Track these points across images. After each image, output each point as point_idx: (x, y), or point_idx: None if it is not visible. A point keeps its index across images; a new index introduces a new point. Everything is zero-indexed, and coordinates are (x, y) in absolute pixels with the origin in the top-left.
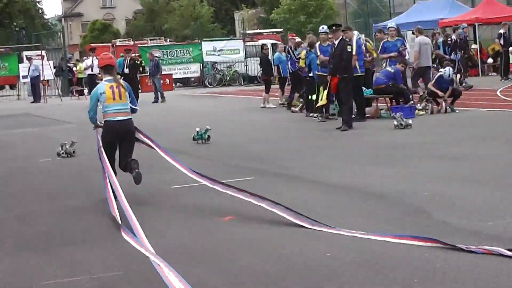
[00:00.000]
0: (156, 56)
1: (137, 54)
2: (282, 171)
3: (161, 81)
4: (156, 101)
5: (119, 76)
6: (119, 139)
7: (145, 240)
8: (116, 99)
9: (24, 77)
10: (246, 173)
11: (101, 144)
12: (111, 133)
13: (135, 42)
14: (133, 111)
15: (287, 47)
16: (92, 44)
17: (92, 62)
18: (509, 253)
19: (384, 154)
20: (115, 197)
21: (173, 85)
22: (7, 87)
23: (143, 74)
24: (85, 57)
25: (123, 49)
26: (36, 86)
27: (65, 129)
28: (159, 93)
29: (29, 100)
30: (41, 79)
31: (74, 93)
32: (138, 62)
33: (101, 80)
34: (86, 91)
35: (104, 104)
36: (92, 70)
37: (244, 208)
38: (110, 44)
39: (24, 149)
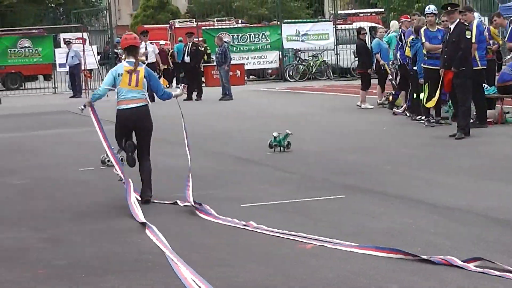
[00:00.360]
0: (225, 42)
1: (200, 39)
2: (379, 188)
3: (230, 73)
4: (223, 97)
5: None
6: (132, 128)
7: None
8: (132, 85)
9: (61, 65)
10: (335, 190)
11: (98, 124)
12: (122, 122)
13: (199, 23)
14: (161, 95)
15: (399, 33)
16: (145, 26)
17: (146, 48)
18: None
19: (509, 169)
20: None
21: (245, 78)
22: (41, 77)
23: (208, 64)
24: None
25: (184, 33)
26: (76, 76)
27: (112, 130)
28: (226, 88)
29: (68, 94)
30: (82, 68)
31: None
32: (202, 49)
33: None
34: None
35: (118, 88)
36: (146, 59)
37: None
38: (168, 25)
39: (61, 156)
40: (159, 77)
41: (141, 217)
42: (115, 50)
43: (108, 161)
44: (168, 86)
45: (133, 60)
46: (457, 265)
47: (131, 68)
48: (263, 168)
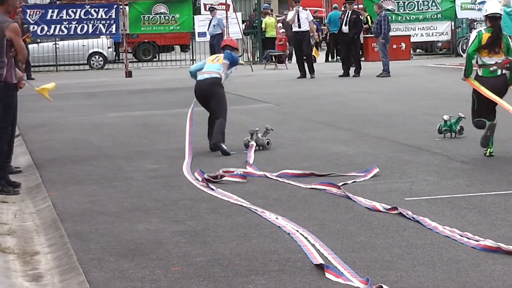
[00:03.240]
0: (388, 10)
1: (361, 6)
2: None
3: (394, 46)
4: (380, 73)
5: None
6: (204, 98)
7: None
8: (214, 61)
9: (201, 34)
10: None
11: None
12: (196, 92)
13: None
14: (232, 63)
15: None
16: None
17: (298, 16)
18: None
19: None
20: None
21: (411, 52)
22: (178, 48)
23: (369, 35)
24: (285, 11)
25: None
26: (217, 47)
27: (257, 110)
28: (383, 63)
29: None
30: (224, 38)
31: (272, 60)
32: (363, 18)
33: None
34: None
35: (203, 64)
36: (299, 27)
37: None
38: None
39: (196, 137)
40: (312, 48)
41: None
42: (262, 18)
43: (248, 145)
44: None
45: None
46: None
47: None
48: (431, 157)
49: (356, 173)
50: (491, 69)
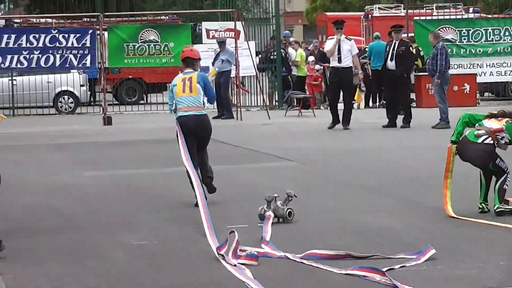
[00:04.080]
0: (447, 40)
1: (411, 35)
2: None
3: (454, 88)
4: (437, 124)
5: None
6: (195, 135)
7: None
8: (186, 92)
9: (202, 69)
10: None
11: (181, 136)
12: (186, 128)
13: (408, 11)
14: (209, 101)
15: None
16: (330, 14)
17: (339, 47)
18: None
19: None
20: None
21: (477, 95)
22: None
23: (422, 74)
24: (315, 40)
25: (385, 25)
26: (224, 87)
27: (276, 170)
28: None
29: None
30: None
31: (294, 104)
32: (413, 49)
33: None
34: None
35: (176, 98)
36: (339, 62)
37: None
38: (362, 14)
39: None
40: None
41: None
42: (283, 49)
43: (264, 217)
44: (357, 105)
45: (191, 70)
46: None
47: (185, 77)
48: (506, 234)
49: (405, 255)
50: None
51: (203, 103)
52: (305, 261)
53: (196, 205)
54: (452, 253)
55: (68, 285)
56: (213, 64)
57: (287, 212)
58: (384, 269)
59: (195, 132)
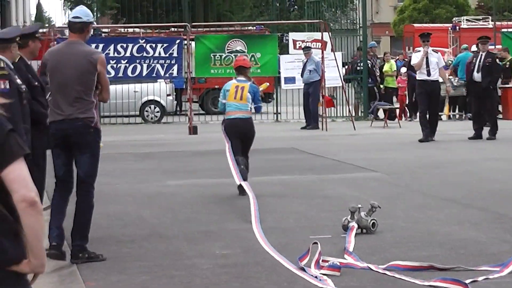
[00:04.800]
0: None
1: (499, 47)
2: None
3: None
4: None
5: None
6: (240, 136)
7: None
8: (237, 99)
9: (288, 80)
10: None
11: (225, 136)
12: (232, 129)
13: (497, 23)
14: (256, 110)
15: None
16: (417, 25)
17: (427, 60)
18: None
19: None
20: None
21: None
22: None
23: (510, 86)
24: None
25: (473, 36)
26: (314, 97)
27: (361, 181)
28: None
29: (300, 124)
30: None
31: (378, 115)
32: (502, 63)
33: None
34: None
35: (226, 102)
36: (428, 75)
37: None
38: (450, 25)
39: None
40: (444, 105)
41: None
42: (369, 61)
43: (348, 227)
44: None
45: (243, 78)
46: None
47: (238, 84)
48: None
49: (489, 267)
50: None
51: (250, 109)
52: (387, 272)
53: (240, 187)
54: None
55: None
56: (301, 75)
57: (371, 223)
58: (467, 281)
59: (239, 132)
